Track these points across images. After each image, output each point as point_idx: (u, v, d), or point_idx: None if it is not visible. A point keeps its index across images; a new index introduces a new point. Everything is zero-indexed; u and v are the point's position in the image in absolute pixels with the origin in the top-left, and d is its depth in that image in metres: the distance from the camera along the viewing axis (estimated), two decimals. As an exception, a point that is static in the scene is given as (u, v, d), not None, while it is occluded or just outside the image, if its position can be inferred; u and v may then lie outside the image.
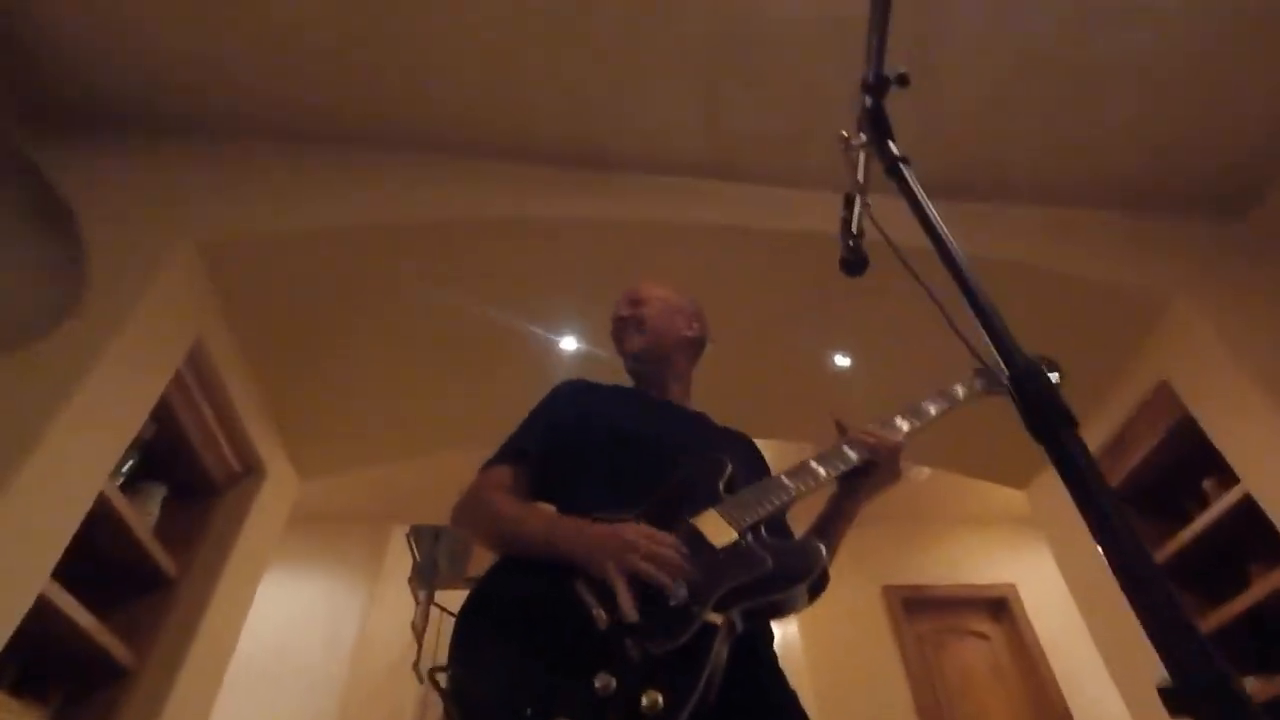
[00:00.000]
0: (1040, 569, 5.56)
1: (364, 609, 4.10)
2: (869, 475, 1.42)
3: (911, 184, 1.08)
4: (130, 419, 2.21)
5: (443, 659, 4.43)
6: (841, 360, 3.55)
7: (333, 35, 2.51)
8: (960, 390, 1.59)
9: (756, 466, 1.59)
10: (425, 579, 5.30)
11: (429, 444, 3.82)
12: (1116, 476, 3.42)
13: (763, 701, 1.21)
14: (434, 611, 5.78)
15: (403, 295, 2.93)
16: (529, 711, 0.99)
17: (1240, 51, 2.67)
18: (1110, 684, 3.88)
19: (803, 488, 1.34)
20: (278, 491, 3.17)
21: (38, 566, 1.88)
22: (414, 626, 5.13)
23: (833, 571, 1.24)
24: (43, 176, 1.49)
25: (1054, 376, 1.63)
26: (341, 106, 2.73)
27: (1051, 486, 3.91)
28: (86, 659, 2.26)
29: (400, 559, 4.80)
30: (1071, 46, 2.65)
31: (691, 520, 1.23)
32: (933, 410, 1.52)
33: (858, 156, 1.24)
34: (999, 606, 5.68)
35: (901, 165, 1.11)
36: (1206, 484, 2.96)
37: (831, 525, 1.44)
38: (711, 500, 1.28)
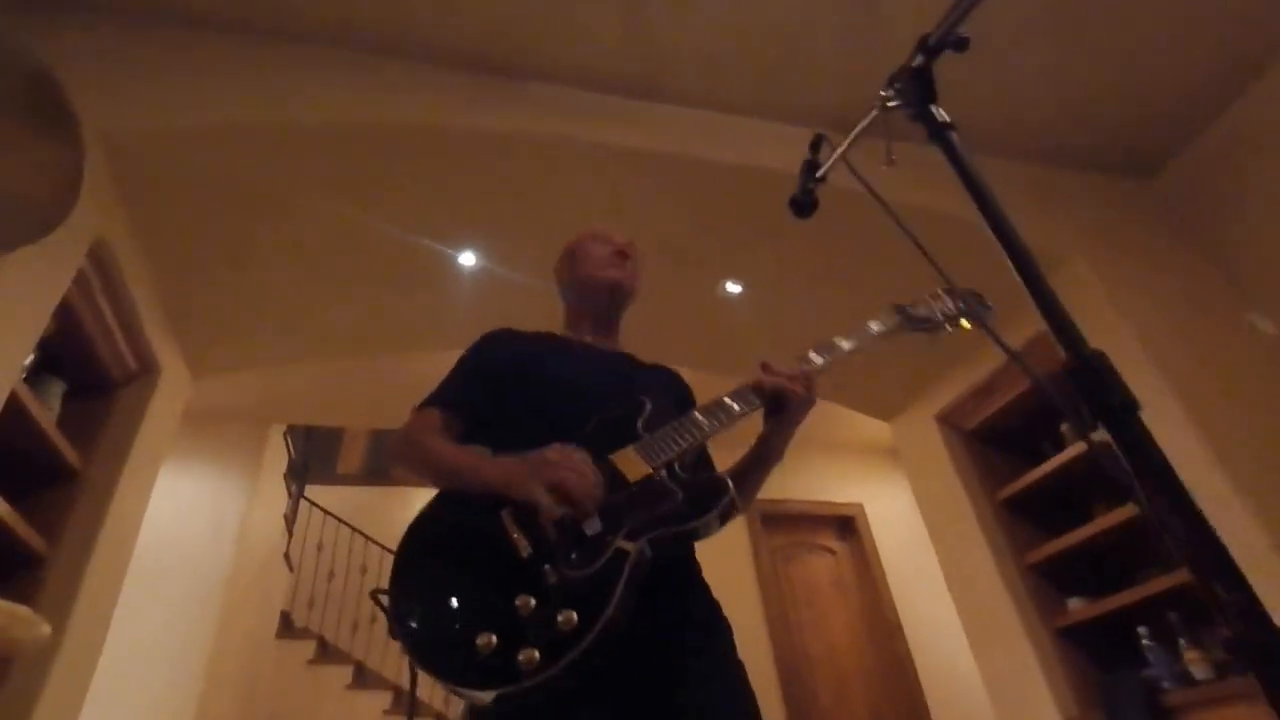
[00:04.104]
0: (886, 493, 6.08)
1: (245, 502, 4.04)
2: (784, 408, 1.46)
3: (959, 153, 1.10)
4: (37, 318, 2.14)
5: (311, 548, 4.50)
6: (733, 287, 3.65)
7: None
8: (874, 326, 1.63)
9: (681, 401, 1.65)
10: (297, 475, 5.53)
11: (319, 350, 3.74)
12: (980, 415, 3.79)
13: (686, 615, 1.34)
14: (302, 504, 6.01)
15: (304, 201, 2.81)
16: (457, 626, 1.09)
17: (1161, 13, 2.80)
18: (936, 597, 4.37)
19: (715, 423, 1.40)
20: (171, 390, 3.08)
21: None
22: (286, 518, 5.38)
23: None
24: (52, 77, 1.32)
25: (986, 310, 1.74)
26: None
27: (915, 422, 4.27)
28: (2, 548, 2.24)
29: (277, 456, 4.74)
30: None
31: (610, 458, 1.31)
32: (845, 345, 1.57)
33: (884, 114, 1.22)
34: (846, 525, 6.16)
35: (947, 132, 1.11)
36: (1064, 428, 3.33)
37: (758, 460, 1.52)
38: (631, 439, 1.36)
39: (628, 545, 1.16)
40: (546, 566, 1.14)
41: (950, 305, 1.70)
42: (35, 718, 2.20)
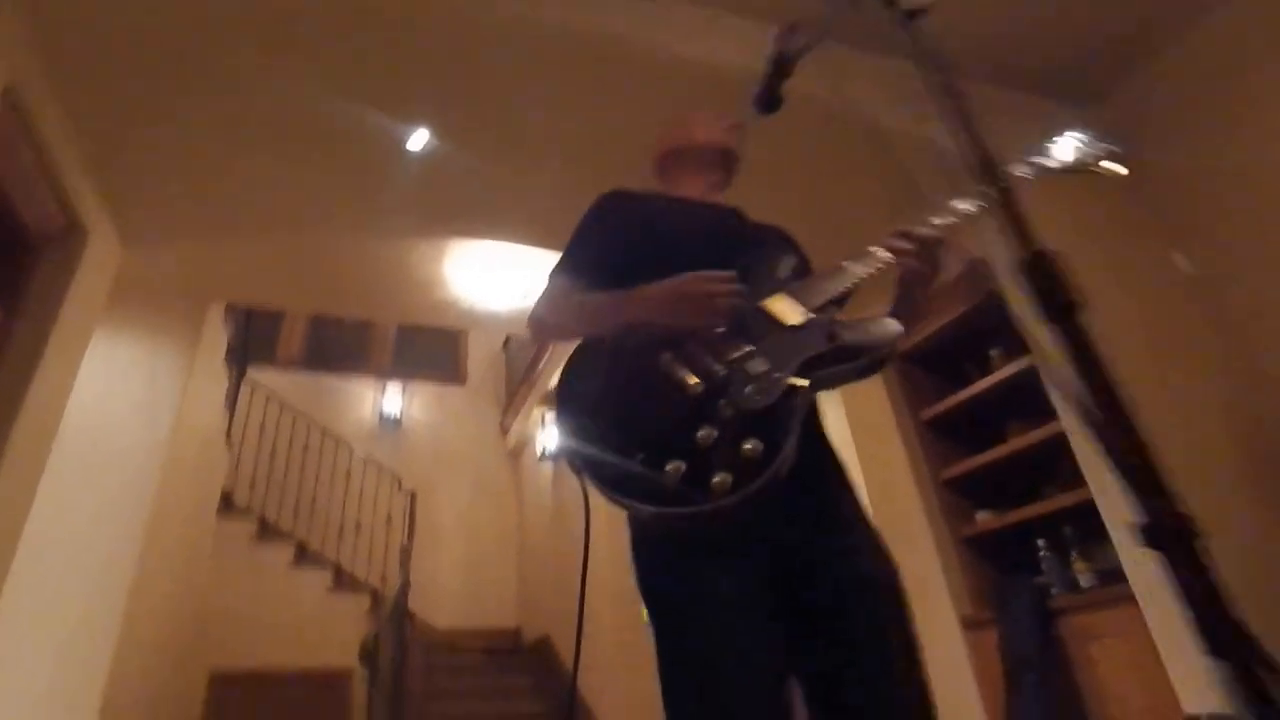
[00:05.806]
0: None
1: (183, 379, 3.96)
2: (916, 270, 1.43)
3: (927, 42, 1.15)
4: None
5: (253, 429, 4.42)
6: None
7: None
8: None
9: (799, 254, 1.64)
10: (238, 356, 5.50)
11: (259, 224, 3.59)
12: (912, 340, 3.87)
13: (825, 462, 1.44)
14: (243, 387, 6.02)
15: (239, 63, 2.64)
16: (640, 456, 1.15)
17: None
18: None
19: (865, 271, 1.40)
20: (100, 255, 2.95)
21: None
22: (227, 399, 5.40)
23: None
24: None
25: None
26: None
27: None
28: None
29: (215, 336, 4.63)
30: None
31: (762, 304, 1.36)
32: (962, 208, 1.51)
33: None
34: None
35: (916, 18, 1.17)
36: (993, 352, 3.45)
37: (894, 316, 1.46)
38: (776, 287, 1.40)
39: (799, 380, 1.21)
40: (721, 401, 1.19)
41: (1087, 148, 1.60)
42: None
